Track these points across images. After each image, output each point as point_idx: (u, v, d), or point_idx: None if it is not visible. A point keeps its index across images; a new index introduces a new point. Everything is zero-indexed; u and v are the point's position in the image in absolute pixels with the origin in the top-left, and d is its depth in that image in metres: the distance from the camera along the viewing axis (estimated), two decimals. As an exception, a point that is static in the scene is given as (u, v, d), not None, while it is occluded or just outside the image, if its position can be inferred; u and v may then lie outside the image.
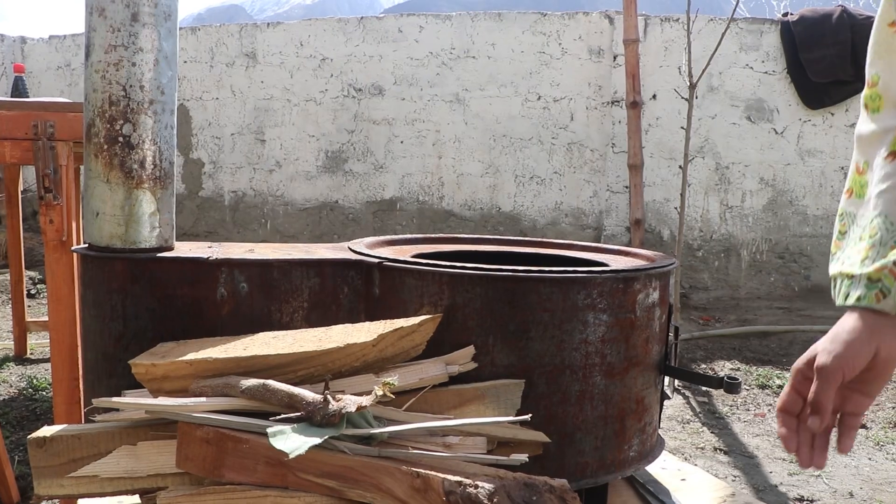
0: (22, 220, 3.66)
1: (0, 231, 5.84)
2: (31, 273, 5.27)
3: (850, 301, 0.89)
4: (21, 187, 3.63)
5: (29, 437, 1.12)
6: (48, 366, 3.47)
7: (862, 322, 0.87)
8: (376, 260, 1.26)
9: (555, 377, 1.21)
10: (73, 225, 2.20)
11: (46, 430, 1.14)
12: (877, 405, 3.42)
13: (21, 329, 3.67)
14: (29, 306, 3.94)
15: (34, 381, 3.26)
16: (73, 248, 1.33)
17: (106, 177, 1.22)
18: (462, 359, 1.18)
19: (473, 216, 5.58)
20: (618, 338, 1.24)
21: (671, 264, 1.37)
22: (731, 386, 1.34)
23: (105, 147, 1.21)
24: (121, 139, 1.21)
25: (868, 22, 4.85)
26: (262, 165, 6.01)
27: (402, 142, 5.65)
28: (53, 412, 2.16)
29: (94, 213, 1.24)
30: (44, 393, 3.13)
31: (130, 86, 1.21)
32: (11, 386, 3.25)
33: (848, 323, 0.89)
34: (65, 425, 1.15)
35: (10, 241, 3.61)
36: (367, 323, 1.20)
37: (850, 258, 0.93)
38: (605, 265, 1.44)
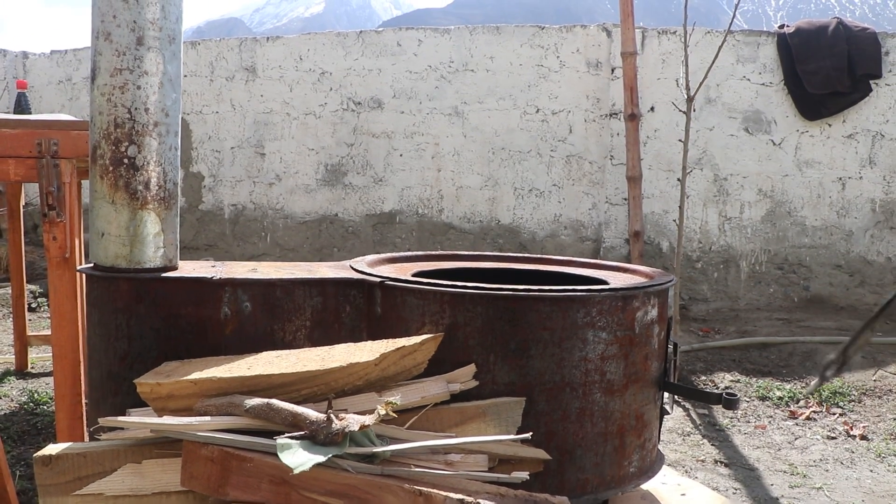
0: (23, 233, 3.68)
1: (1, 245, 5.86)
2: (32, 287, 5.28)
3: None
4: (22, 201, 3.64)
5: (35, 455, 1.13)
6: (49, 380, 3.47)
7: None
8: (378, 279, 1.28)
9: (555, 395, 1.22)
10: (76, 241, 2.21)
11: (52, 448, 1.15)
12: (878, 416, 3.43)
13: (22, 343, 3.67)
14: (30, 320, 3.94)
15: (35, 395, 3.26)
16: (78, 267, 1.34)
17: (111, 198, 1.23)
18: (463, 377, 1.19)
19: (473, 229, 5.59)
20: (617, 355, 1.25)
21: (669, 282, 1.38)
22: (730, 402, 1.35)
23: (110, 168, 1.23)
24: (126, 161, 1.23)
25: (863, 34, 4.88)
26: (262, 179, 6.03)
27: (401, 155, 5.67)
28: (56, 428, 2.17)
29: (99, 233, 1.25)
30: (45, 407, 3.13)
31: (135, 108, 1.23)
32: (12, 400, 3.25)
33: None
34: (70, 443, 1.16)
35: (12, 256, 3.62)
36: (370, 342, 1.21)
37: None
38: (605, 282, 1.45)
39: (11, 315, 3.87)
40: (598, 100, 5.29)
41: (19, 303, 3.64)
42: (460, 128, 5.54)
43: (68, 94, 6.90)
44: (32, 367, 3.73)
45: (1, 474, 2.09)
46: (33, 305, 4.98)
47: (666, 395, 1.47)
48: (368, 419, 1.05)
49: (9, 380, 3.53)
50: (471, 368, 1.19)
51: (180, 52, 1.29)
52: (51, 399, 3.16)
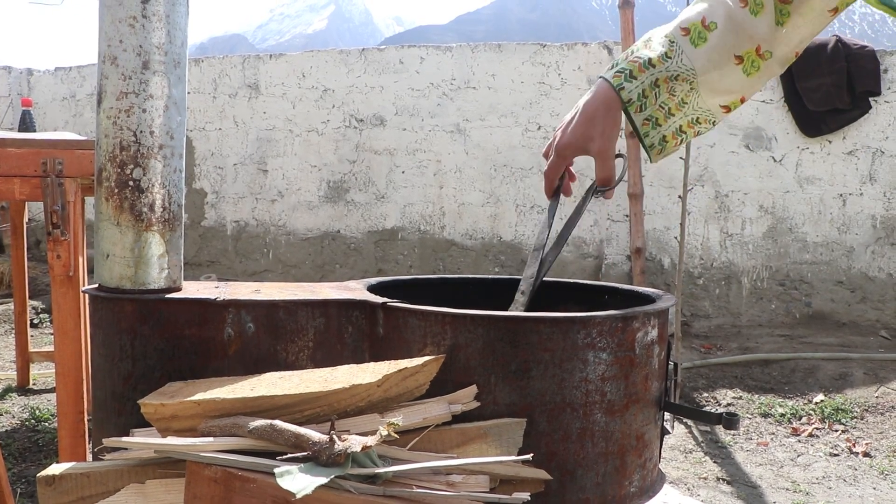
0: (26, 249, 3.69)
1: (4, 261, 5.88)
2: (34, 303, 5.30)
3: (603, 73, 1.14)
4: (26, 217, 3.66)
5: (38, 475, 1.14)
6: (51, 396, 3.48)
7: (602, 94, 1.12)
8: (380, 300, 1.29)
9: (556, 415, 1.22)
10: (80, 259, 2.23)
11: (55, 468, 1.15)
12: (880, 433, 3.42)
13: (24, 359, 3.68)
14: (32, 336, 3.96)
15: (37, 412, 3.27)
16: (83, 289, 1.35)
17: (116, 220, 1.24)
18: (465, 398, 1.19)
19: (475, 245, 5.60)
20: (617, 376, 1.26)
21: (669, 302, 1.39)
22: (730, 422, 1.35)
23: (115, 191, 1.24)
24: (131, 183, 1.24)
25: (862, 51, 4.91)
26: (265, 195, 6.06)
27: (403, 172, 5.70)
28: (58, 445, 2.17)
29: (104, 254, 1.26)
30: (46, 424, 3.14)
31: (141, 131, 1.24)
32: (14, 417, 3.26)
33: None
34: (73, 463, 1.17)
35: (15, 272, 3.64)
36: (372, 363, 1.22)
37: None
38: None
39: (14, 331, 3.88)
40: (598, 117, 5.31)
41: (22, 319, 3.65)
42: (462, 145, 5.57)
43: (72, 111, 6.94)
44: (34, 384, 3.74)
45: (2, 492, 2.09)
46: (35, 322, 5.00)
47: (667, 414, 1.48)
48: (370, 440, 1.05)
49: (10, 396, 3.54)
50: (472, 389, 1.20)
51: (185, 76, 1.30)
52: (52, 416, 3.16)
